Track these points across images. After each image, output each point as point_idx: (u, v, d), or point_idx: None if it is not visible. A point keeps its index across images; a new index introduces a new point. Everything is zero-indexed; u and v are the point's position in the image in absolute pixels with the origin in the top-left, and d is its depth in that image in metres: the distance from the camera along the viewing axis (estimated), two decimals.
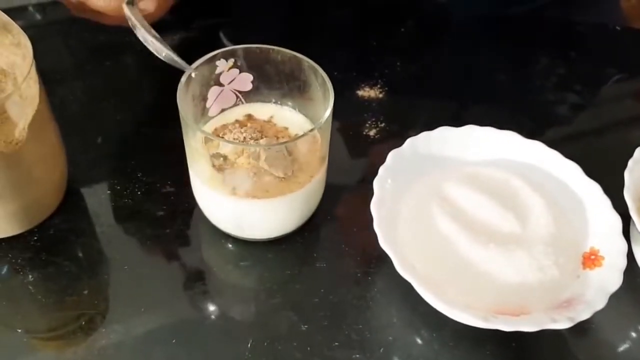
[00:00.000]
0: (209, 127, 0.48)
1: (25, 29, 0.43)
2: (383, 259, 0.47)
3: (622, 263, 0.42)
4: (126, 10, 0.47)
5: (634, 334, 0.46)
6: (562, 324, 0.38)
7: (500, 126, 0.48)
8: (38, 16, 0.66)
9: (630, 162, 0.47)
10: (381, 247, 0.41)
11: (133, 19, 0.47)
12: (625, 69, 0.60)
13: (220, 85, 0.47)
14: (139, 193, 0.51)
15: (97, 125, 0.56)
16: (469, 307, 0.40)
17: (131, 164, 0.53)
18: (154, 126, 0.56)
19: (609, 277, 0.41)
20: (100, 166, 0.53)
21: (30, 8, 0.66)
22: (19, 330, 0.43)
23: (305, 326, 0.44)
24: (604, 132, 0.59)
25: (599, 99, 0.61)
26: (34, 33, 0.43)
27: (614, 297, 0.41)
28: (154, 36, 0.46)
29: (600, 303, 0.40)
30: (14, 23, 0.42)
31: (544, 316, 0.39)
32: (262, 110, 0.48)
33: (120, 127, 0.57)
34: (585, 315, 0.39)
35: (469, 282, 0.42)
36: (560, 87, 0.60)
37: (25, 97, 0.42)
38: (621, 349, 0.45)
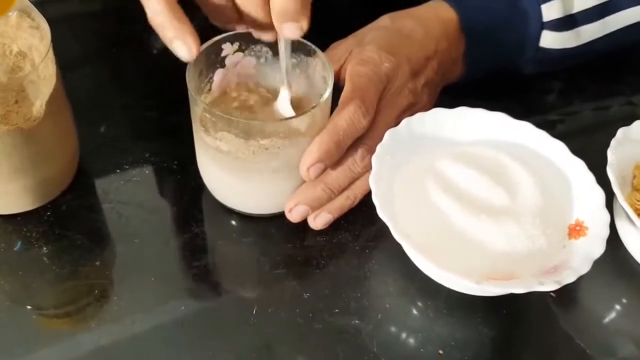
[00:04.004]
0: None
1: None
2: (380, 234, 0.50)
3: (605, 232, 0.44)
4: (281, 45, 0.45)
5: (615, 303, 0.49)
6: (549, 287, 0.41)
7: (491, 108, 0.51)
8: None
9: (612, 141, 0.50)
10: (378, 223, 0.44)
11: (282, 51, 0.45)
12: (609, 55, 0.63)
13: (225, 67, 0.49)
14: (146, 172, 0.53)
15: (105, 110, 0.58)
16: (461, 273, 0.42)
17: (138, 145, 0.55)
18: (159, 110, 0.58)
19: (593, 245, 0.44)
20: (108, 148, 0.55)
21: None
22: (35, 298, 0.46)
23: (307, 294, 0.47)
24: (589, 114, 0.62)
25: (584, 85, 0.64)
26: None
27: (598, 269, 0.43)
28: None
29: (584, 268, 0.42)
30: (33, 7, 0.44)
31: (532, 280, 0.42)
32: (265, 89, 0.51)
33: (127, 112, 0.59)
34: (570, 279, 0.41)
35: (462, 251, 0.44)
36: (547, 74, 0.63)
37: (43, 77, 0.44)
38: (603, 315, 0.48)
